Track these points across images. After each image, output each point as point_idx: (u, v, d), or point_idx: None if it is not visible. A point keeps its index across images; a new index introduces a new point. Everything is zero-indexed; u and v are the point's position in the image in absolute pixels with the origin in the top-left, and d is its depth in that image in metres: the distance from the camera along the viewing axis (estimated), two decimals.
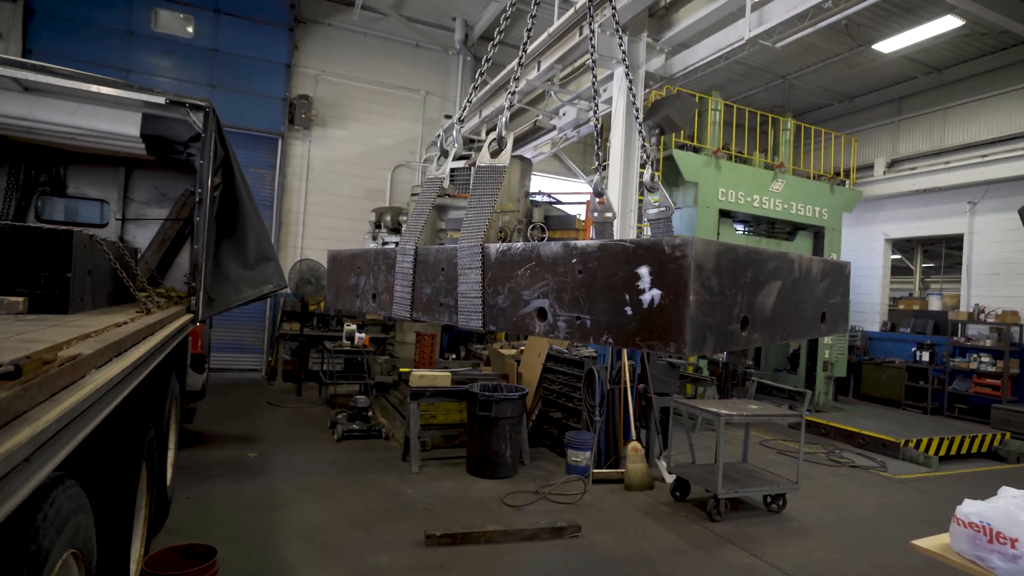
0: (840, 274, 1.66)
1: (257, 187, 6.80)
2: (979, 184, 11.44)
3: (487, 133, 10.28)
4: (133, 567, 2.87)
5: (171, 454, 4.63)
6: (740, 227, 11.30)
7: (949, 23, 9.85)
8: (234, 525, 4.19)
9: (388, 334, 10.05)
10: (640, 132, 2.52)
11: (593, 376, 6.21)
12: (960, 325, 11.64)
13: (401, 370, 7.08)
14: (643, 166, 2.14)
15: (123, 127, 4.63)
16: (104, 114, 4.51)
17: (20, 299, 2.90)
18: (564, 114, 8.22)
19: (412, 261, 1.47)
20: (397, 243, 1.86)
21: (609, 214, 2.68)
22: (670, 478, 5.88)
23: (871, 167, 13.05)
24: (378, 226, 9.36)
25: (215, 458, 5.67)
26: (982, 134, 11.69)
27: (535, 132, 7.86)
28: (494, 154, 1.46)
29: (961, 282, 12.16)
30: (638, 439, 6.07)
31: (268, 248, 5.53)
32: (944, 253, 17.58)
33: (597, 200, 2.65)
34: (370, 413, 7.02)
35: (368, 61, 11.55)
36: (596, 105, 2.23)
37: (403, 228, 1.60)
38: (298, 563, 3.71)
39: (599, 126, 2.11)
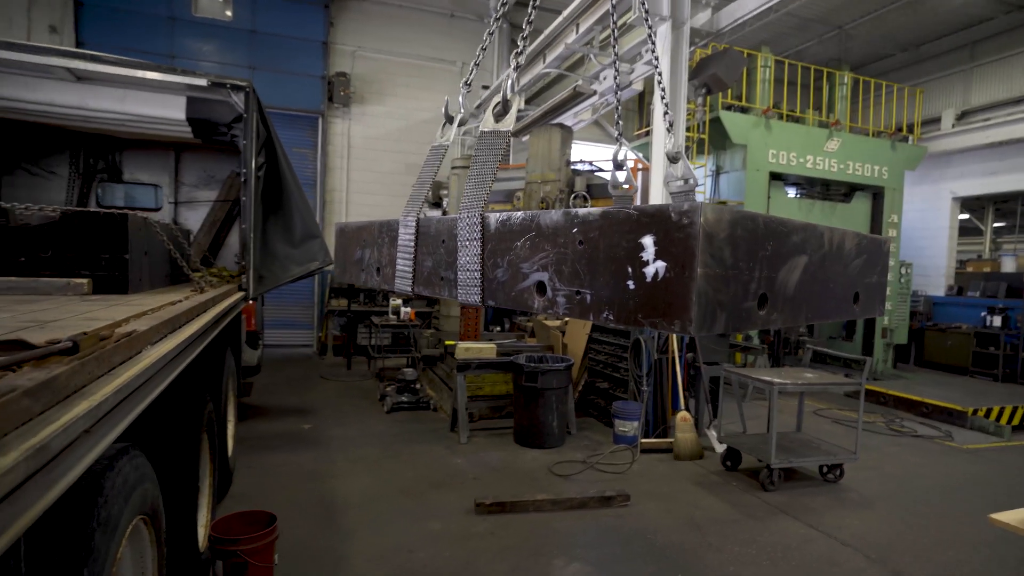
0: (878, 251, 1.54)
1: (300, 166, 6.90)
2: None
3: (498, 103, 10.08)
4: (201, 531, 3.03)
5: (231, 426, 4.85)
6: (792, 190, 10.79)
7: None
8: (292, 493, 4.36)
9: (433, 308, 10.16)
10: (663, 97, 2.35)
11: (640, 346, 6.11)
12: None
13: (447, 343, 7.16)
14: (669, 129, 1.98)
15: (170, 111, 4.75)
16: (151, 99, 4.63)
17: (85, 280, 3.04)
18: (604, 78, 7.94)
19: (414, 233, 1.42)
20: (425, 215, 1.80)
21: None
22: (720, 448, 5.77)
23: (938, 120, 12.18)
24: None
25: (273, 430, 5.91)
26: None
27: (575, 98, 7.63)
28: (498, 118, 1.38)
29: None
30: (687, 408, 5.97)
31: (313, 226, 5.63)
32: (1019, 211, 16.41)
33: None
34: (418, 385, 7.16)
35: (403, 35, 11.46)
36: (617, 69, 2.10)
37: (408, 201, 1.54)
38: (353, 530, 3.83)
39: (621, 90, 1.97)
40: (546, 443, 5.72)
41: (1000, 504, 4.74)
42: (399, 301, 8.88)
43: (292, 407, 6.88)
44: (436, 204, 9.27)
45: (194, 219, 6.14)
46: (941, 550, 3.92)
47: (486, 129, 1.36)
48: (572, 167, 8.16)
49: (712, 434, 6.02)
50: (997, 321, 10.94)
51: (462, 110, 1.74)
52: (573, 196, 7.54)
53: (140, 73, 4.00)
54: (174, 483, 2.56)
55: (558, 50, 7.93)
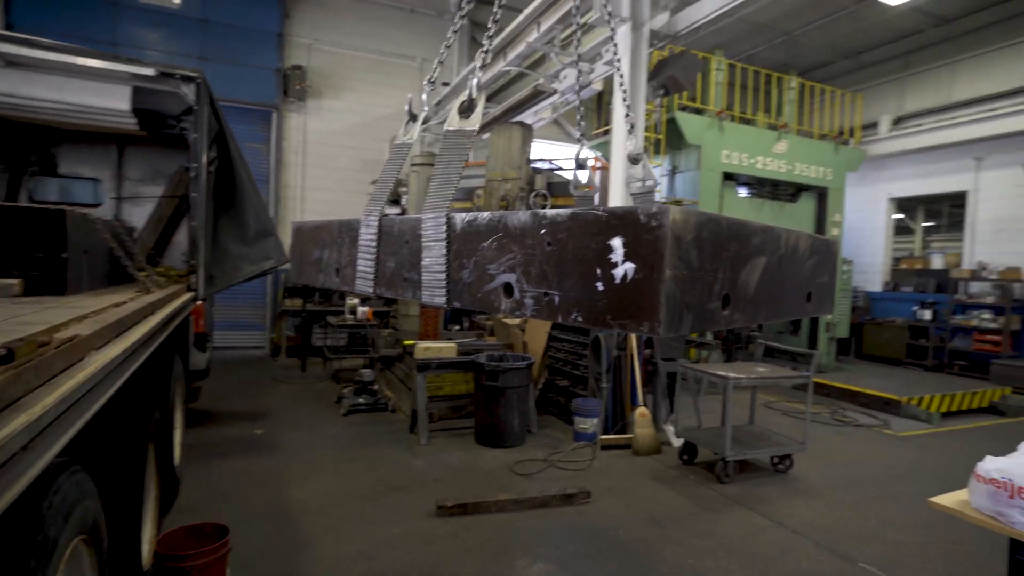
0: (828, 252, 1.59)
1: (253, 162, 6.65)
2: (986, 139, 11.22)
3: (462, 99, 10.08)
4: (145, 548, 2.88)
5: (178, 434, 4.64)
6: (743, 190, 11.15)
7: None
8: (246, 502, 4.21)
9: (391, 307, 10.01)
10: (624, 100, 2.39)
11: (599, 343, 6.18)
12: (962, 283, 11.59)
13: (406, 343, 7.06)
14: (631, 131, 2.03)
15: (113, 102, 4.49)
16: (93, 89, 4.36)
17: (15, 281, 2.83)
18: (565, 77, 7.99)
19: (376, 233, 1.39)
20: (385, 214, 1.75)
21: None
22: (678, 442, 5.91)
23: (876, 125, 12.79)
24: None
25: (223, 436, 5.69)
26: (990, 88, 11.41)
27: (536, 96, 7.64)
28: (464, 116, 1.36)
29: (964, 240, 12.06)
30: (645, 404, 6.08)
31: (268, 223, 5.44)
32: (947, 212, 17.43)
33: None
34: (376, 387, 7.03)
35: (362, 28, 11.22)
36: (579, 69, 2.09)
37: (369, 200, 1.50)
38: (311, 538, 3.73)
39: (593, 90, 1.97)
40: (507, 442, 5.72)
41: (935, 487, 5.02)
42: (356, 301, 8.71)
43: (244, 412, 6.64)
44: (395, 202, 9.13)
45: (139, 216, 5.85)
46: (885, 533, 4.12)
47: (451, 128, 1.34)
48: (533, 165, 8.17)
49: (669, 429, 6.16)
50: (927, 315, 11.62)
51: (425, 108, 1.72)
52: (534, 194, 7.56)
53: (82, 60, 3.77)
54: (117, 498, 2.42)
55: (519, 48, 7.92)
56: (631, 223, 0.85)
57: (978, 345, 10.87)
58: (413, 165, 8.51)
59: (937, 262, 12.73)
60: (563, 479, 4.93)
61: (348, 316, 8.49)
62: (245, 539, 3.51)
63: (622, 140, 6.31)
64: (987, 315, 10.84)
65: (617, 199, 6.32)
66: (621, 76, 2.58)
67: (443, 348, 6.38)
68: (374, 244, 1.41)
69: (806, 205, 11.34)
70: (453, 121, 1.36)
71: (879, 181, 13.17)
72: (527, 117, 9.47)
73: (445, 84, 11.45)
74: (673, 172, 10.86)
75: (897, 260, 13.93)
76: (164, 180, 5.91)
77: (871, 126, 12.84)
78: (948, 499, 2.45)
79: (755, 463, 5.46)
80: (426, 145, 11.56)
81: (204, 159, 4.71)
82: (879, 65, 13.38)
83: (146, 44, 9.67)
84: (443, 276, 1.16)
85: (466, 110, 1.42)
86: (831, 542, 3.96)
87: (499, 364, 5.73)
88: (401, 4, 11.47)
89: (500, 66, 8.72)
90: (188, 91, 4.35)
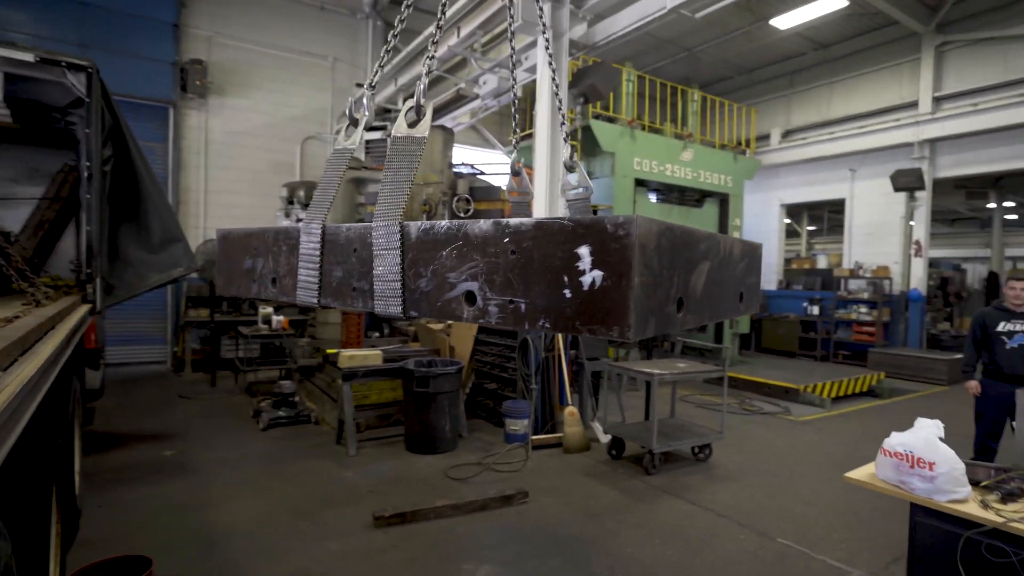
0: (755, 255, 1.67)
1: (148, 162, 6.13)
2: (859, 153, 12.60)
3: (404, 102, 9.91)
4: None
5: (76, 461, 4.18)
6: (653, 196, 11.76)
7: (836, 2, 10.59)
8: (163, 530, 3.86)
9: (307, 315, 9.59)
10: (560, 108, 2.49)
11: (528, 345, 6.27)
12: (843, 280, 12.91)
13: (328, 351, 6.79)
14: (566, 139, 2.16)
15: None
16: None
17: None
18: (484, 83, 8.06)
19: (319, 241, 1.34)
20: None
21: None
22: (605, 438, 6.12)
23: (768, 137, 13.96)
24: (290, 202, 8.80)
25: (128, 460, 5.19)
26: (862, 107, 12.83)
27: (457, 101, 7.65)
28: (412, 124, 1.33)
29: (844, 242, 13.42)
30: (572, 403, 6.23)
31: (175, 228, 5.04)
32: (827, 217, 19.32)
33: (513, 179, 2.61)
34: (296, 398, 6.70)
35: (268, 23, 10.68)
36: (514, 76, 2.14)
37: (309, 206, 1.46)
38: (243, 561, 3.49)
39: (517, 95, 2.01)
40: (439, 448, 5.65)
41: (836, 464, 5.59)
42: (270, 309, 8.26)
43: (149, 432, 6.09)
44: (308, 206, 8.75)
45: (13, 220, 5.22)
46: (795, 509, 4.49)
47: (399, 135, 1.29)
48: (454, 169, 8.15)
49: (596, 426, 6.36)
50: (815, 310, 12.82)
51: (367, 112, 1.70)
52: (456, 199, 7.54)
53: None
54: (22, 536, 2.15)
55: (439, 52, 7.89)
56: (598, 232, 0.88)
57: (857, 336, 12.14)
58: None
59: (822, 262, 14.09)
60: (499, 481, 4.95)
61: (262, 326, 8.04)
62: (168, 570, 3.23)
63: (546, 146, 6.46)
64: (863, 309, 12.14)
65: (542, 204, 6.45)
66: (556, 84, 2.65)
67: (368, 356, 6.21)
68: (317, 253, 1.35)
69: (710, 210, 12.13)
70: (401, 128, 1.31)
71: (772, 188, 14.36)
72: (445, 122, 9.46)
73: (358, 85, 11.17)
74: (569, 171, 11.25)
75: (788, 261, 15.26)
76: (44, 180, 5.33)
77: (764, 138, 13.99)
78: (859, 473, 2.72)
79: (678, 454, 5.76)
80: (334, 147, 11.22)
81: (98, 158, 4.30)
82: (769, 82, 14.62)
83: (11, 25, 8.62)
84: (398, 285, 1.14)
85: (414, 118, 1.46)
86: (752, 522, 4.27)
87: (429, 370, 5.66)
88: (311, 0, 11.06)
89: (419, 68, 8.65)
90: (76, 81, 3.96)
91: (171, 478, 4.81)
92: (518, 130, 2.34)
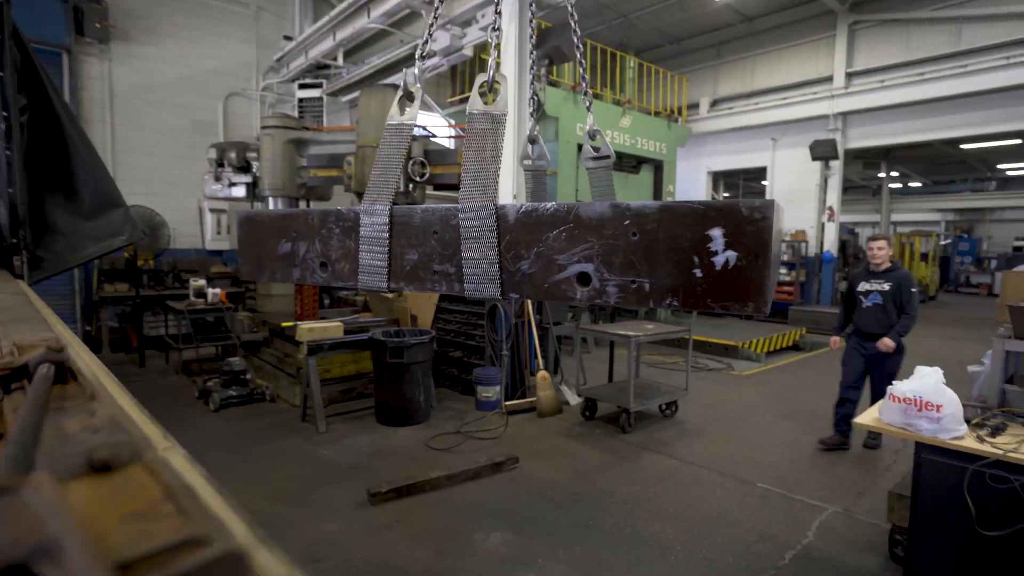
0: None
1: (75, 115, 5.36)
2: (780, 123, 13.35)
3: (407, 70, 9.25)
4: None
5: None
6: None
7: None
8: None
9: (240, 287, 8.95)
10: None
11: (497, 311, 6.21)
12: None
13: (284, 324, 6.37)
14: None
15: None
16: None
17: None
18: (435, 39, 7.66)
19: (387, 223, 1.32)
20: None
21: (543, 162, 2.60)
22: (575, 400, 6.24)
23: (698, 106, 14.45)
24: (220, 164, 8.02)
25: None
26: (783, 79, 13.54)
27: (408, 59, 7.24)
28: (483, 96, 1.29)
29: None
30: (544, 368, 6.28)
31: (113, 193, 4.43)
32: (742, 184, 20.46)
33: (530, 145, 2.56)
34: (248, 376, 6.27)
35: None
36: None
37: (368, 186, 1.40)
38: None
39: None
40: (414, 419, 5.52)
41: (785, 414, 6.05)
42: (203, 282, 7.60)
43: None
44: (243, 168, 8.02)
45: None
46: (767, 458, 4.82)
47: (476, 111, 1.26)
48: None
49: (565, 389, 6.46)
50: None
51: (418, 84, 1.56)
52: (412, 162, 7.21)
53: None
54: None
55: (387, 4, 7.40)
56: (732, 215, 0.91)
57: (778, 295, 13.09)
58: (264, 128, 7.54)
59: None
60: (482, 449, 4.92)
61: (196, 300, 7.39)
62: None
63: (513, 108, 6.28)
64: (783, 270, 13.08)
65: (508, 167, 6.31)
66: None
67: (328, 328, 5.90)
68: (386, 235, 1.34)
69: (645, 177, 12.45)
70: (476, 104, 1.27)
71: (700, 156, 14.95)
72: (390, 82, 8.96)
73: (287, 38, 10.33)
74: (532, 143, 11.15)
75: None
76: None
77: (694, 106, 14.46)
78: (865, 418, 2.94)
79: (646, 412, 5.98)
80: (268, 107, 10.38)
81: (15, 107, 3.71)
82: (698, 52, 15.06)
83: None
84: (495, 268, 1.16)
85: (484, 92, 1.36)
86: (730, 471, 4.53)
87: (403, 340, 5.46)
88: None
89: (363, 22, 8.10)
90: None
91: None
92: (537, 97, 2.22)
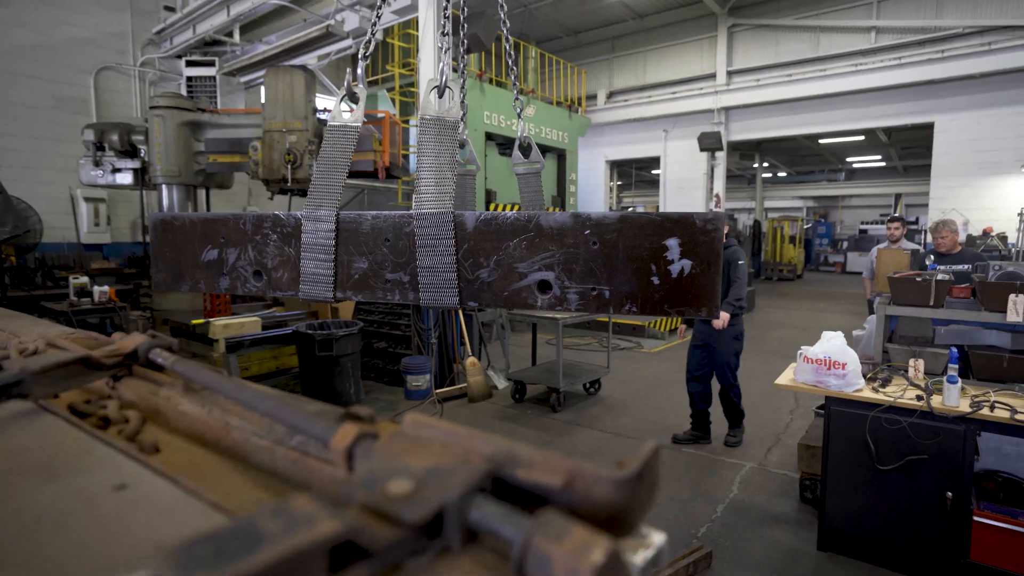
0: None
1: None
2: (671, 116, 14.29)
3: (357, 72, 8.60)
4: None
5: None
6: (497, 149, 12.04)
7: None
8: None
9: (129, 284, 8.12)
10: (514, 83, 2.51)
11: None
12: None
13: (195, 322, 5.89)
14: (519, 115, 2.31)
15: None
16: None
17: None
18: (343, 20, 7.35)
19: (333, 229, 1.28)
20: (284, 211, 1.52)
21: (472, 167, 2.66)
22: (503, 384, 6.40)
23: (595, 97, 15.07)
24: (100, 147, 7.18)
25: None
26: (673, 75, 14.49)
27: (324, 39, 6.89)
28: (440, 98, 1.31)
29: (660, 195, 15.28)
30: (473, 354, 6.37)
31: None
32: (634, 172, 21.64)
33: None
34: None
35: None
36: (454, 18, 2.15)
37: (310, 190, 1.43)
38: None
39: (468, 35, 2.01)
40: None
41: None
42: (85, 279, 6.82)
43: None
44: (127, 153, 7.22)
45: None
46: (678, 421, 5.26)
47: (428, 116, 1.26)
48: (318, 116, 7.42)
49: (492, 374, 6.59)
50: None
51: (361, 85, 1.54)
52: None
53: None
54: None
55: None
56: (687, 226, 0.98)
57: None
58: (154, 108, 6.86)
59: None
60: None
61: (79, 300, 6.62)
62: None
63: (433, 99, 6.21)
64: None
65: None
66: (507, 37, 2.63)
67: (245, 323, 5.58)
68: (332, 242, 1.29)
69: (549, 165, 12.82)
70: (429, 108, 1.28)
71: (598, 146, 15.63)
72: (291, 63, 8.49)
73: (169, 9, 9.40)
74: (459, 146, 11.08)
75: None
76: None
77: (592, 98, 15.06)
78: (783, 379, 3.35)
79: (572, 391, 6.28)
80: (149, 84, 9.41)
81: None
82: (594, 45, 15.67)
83: None
84: (452, 276, 1.15)
85: (440, 101, 1.35)
86: (656, 437, 4.90)
87: (332, 332, 5.30)
88: None
89: None
90: None
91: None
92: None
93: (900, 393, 3.04)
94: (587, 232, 1.00)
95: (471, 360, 6.11)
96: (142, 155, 7.23)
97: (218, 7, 8.06)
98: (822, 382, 3.15)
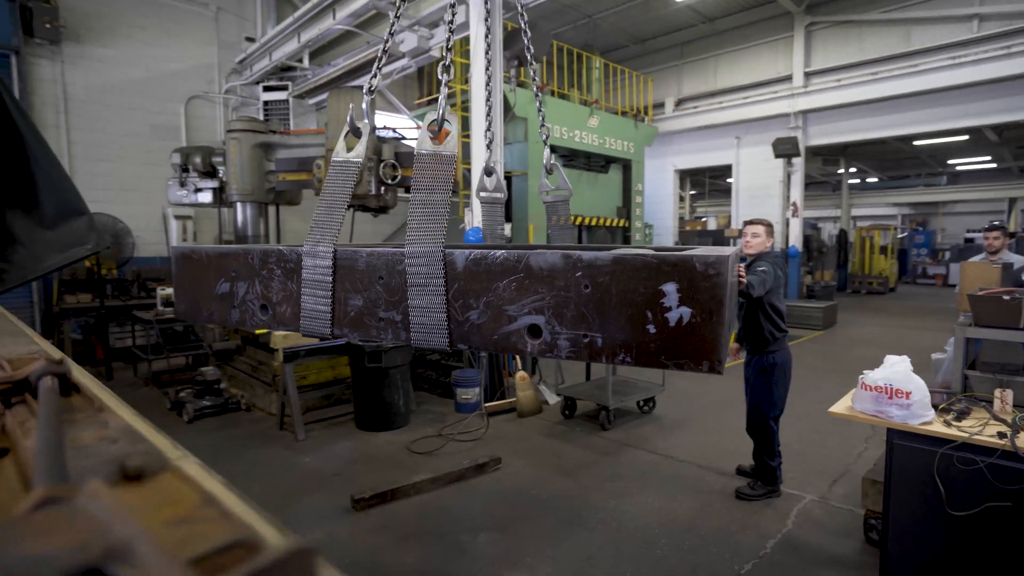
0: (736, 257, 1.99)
1: (31, 119, 5.15)
2: (743, 122, 13.68)
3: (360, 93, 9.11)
4: None
5: None
6: (561, 161, 11.95)
7: None
8: None
9: None
10: (540, 110, 2.44)
11: None
12: (732, 240, 14.12)
13: (258, 331, 6.23)
14: (546, 141, 2.24)
15: None
16: None
17: None
18: (403, 41, 7.61)
19: (331, 266, 1.27)
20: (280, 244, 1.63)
21: (499, 194, 2.63)
22: (554, 399, 6.28)
23: (663, 105, 14.69)
24: (185, 169, 7.81)
25: None
26: (745, 79, 13.88)
27: (381, 60, 7.17)
28: (433, 138, 1.28)
29: (732, 204, 14.62)
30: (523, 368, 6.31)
31: (75, 200, 4.27)
32: (707, 181, 20.89)
33: (485, 177, 2.61)
34: (222, 385, 6.12)
35: None
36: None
37: (311, 225, 1.36)
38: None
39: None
40: (394, 424, 5.48)
41: None
42: (170, 291, 7.39)
43: None
44: (208, 174, 7.82)
45: None
46: (744, 449, 4.93)
47: (424, 151, 1.25)
48: (377, 133, 7.69)
49: (544, 388, 6.50)
50: None
51: (367, 121, 1.56)
52: (382, 164, 7.14)
53: None
54: None
55: (353, 5, 7.32)
56: (686, 270, 0.88)
57: None
58: (230, 132, 7.37)
59: (712, 223, 15.28)
60: (465, 451, 4.91)
61: (163, 309, 7.18)
62: None
63: (482, 115, 6.28)
64: None
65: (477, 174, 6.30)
66: (529, 43, 2.57)
67: None
68: (329, 279, 1.28)
69: (615, 176, 12.59)
70: (424, 143, 1.26)
71: (666, 155, 15.21)
72: (358, 84, 8.86)
73: (249, 39, 10.11)
74: (488, 175, 11.19)
75: (681, 222, 16.35)
76: None
77: (660, 106, 14.70)
78: (839, 407, 3.05)
79: (625, 408, 6.06)
80: (232, 110, 10.14)
81: None
82: (662, 52, 15.31)
83: None
84: (443, 317, 1.10)
85: (432, 136, 1.34)
86: (709, 463, 4.64)
87: (380, 344, 5.42)
88: None
89: (328, 23, 8.00)
90: None
91: None
92: (491, 130, 2.24)
93: (978, 429, 2.67)
94: (578, 274, 0.95)
95: (521, 374, 6.05)
96: (220, 175, 7.77)
97: (290, 35, 8.56)
98: (883, 412, 2.83)
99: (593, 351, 0.96)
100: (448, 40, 1.85)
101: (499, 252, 1.03)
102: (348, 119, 1.51)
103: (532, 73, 2.52)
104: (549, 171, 2.40)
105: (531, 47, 2.52)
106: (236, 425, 5.60)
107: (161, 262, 9.27)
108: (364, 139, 1.45)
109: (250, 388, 6.31)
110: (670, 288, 0.89)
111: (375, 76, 1.85)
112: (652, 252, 0.94)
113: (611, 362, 0.95)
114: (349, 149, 1.51)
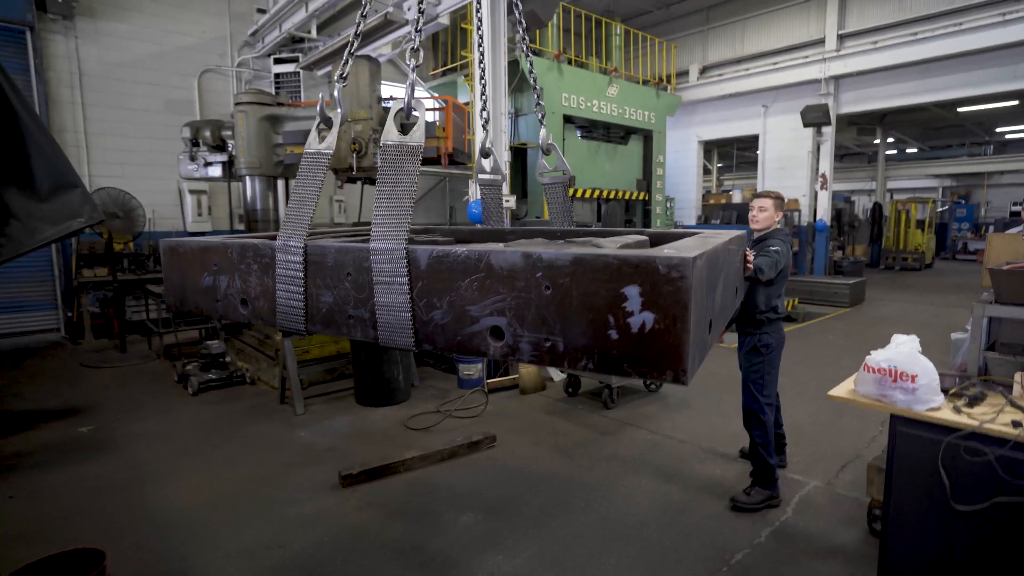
0: (742, 243, 1.76)
1: (24, 94, 5.17)
2: (771, 89, 13.06)
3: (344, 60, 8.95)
4: None
5: None
6: (578, 132, 11.63)
7: None
8: (100, 516, 3.43)
9: None
10: (537, 95, 2.28)
11: None
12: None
13: None
14: (542, 120, 2.13)
15: None
16: None
17: None
18: (408, 8, 7.38)
19: (301, 262, 1.25)
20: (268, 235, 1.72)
21: (498, 176, 2.48)
22: (558, 376, 6.16)
23: (687, 73, 14.11)
24: (195, 143, 7.80)
25: (35, 442, 4.56)
26: (774, 44, 13.20)
27: (383, 28, 6.96)
28: (404, 129, 1.24)
29: (758, 176, 14.07)
30: None
31: (69, 173, 4.30)
32: (735, 153, 20.17)
33: (483, 159, 2.46)
34: (227, 358, 6.17)
35: None
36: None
37: (283, 220, 1.37)
38: (208, 535, 3.18)
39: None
40: (394, 399, 5.44)
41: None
42: None
43: (53, 408, 5.39)
44: (218, 147, 7.80)
45: None
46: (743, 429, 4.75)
47: (390, 142, 1.20)
48: (383, 104, 7.54)
49: None
50: None
51: (339, 110, 1.52)
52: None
53: None
54: None
55: None
56: (648, 273, 0.83)
57: None
58: (238, 105, 7.31)
59: (737, 197, 14.76)
60: (462, 428, 4.85)
61: None
62: (120, 558, 2.87)
63: (490, 84, 6.06)
64: None
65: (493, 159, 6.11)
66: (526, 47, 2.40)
67: None
68: (300, 275, 1.27)
69: (635, 147, 12.20)
70: (391, 134, 1.22)
71: (690, 125, 14.68)
72: (367, 53, 8.68)
73: (260, 10, 9.99)
74: (516, 115, 10.89)
75: (706, 195, 15.85)
76: None
77: (683, 74, 14.13)
78: (840, 391, 2.84)
79: (630, 387, 5.90)
80: (244, 83, 10.09)
81: None
82: (686, 17, 14.66)
83: None
84: (407, 316, 1.08)
85: (404, 123, 1.30)
86: (712, 445, 4.47)
87: None
88: None
89: None
90: None
91: (94, 456, 4.28)
92: (484, 105, 2.09)
93: (991, 416, 2.45)
94: (539, 275, 0.91)
95: None
96: (229, 149, 7.74)
97: (298, 4, 8.40)
98: (886, 396, 2.62)
99: (555, 355, 0.92)
100: (421, 16, 1.74)
101: (461, 250, 1.00)
102: (319, 108, 1.49)
103: (524, 47, 2.40)
104: (546, 151, 2.24)
105: (523, 20, 2.40)
106: (239, 398, 5.65)
107: (177, 236, 9.37)
108: (335, 129, 1.43)
109: (256, 362, 6.36)
110: (632, 291, 0.84)
111: (346, 63, 1.79)
112: (614, 252, 0.87)
113: (573, 368, 0.90)
114: (321, 140, 1.50)
